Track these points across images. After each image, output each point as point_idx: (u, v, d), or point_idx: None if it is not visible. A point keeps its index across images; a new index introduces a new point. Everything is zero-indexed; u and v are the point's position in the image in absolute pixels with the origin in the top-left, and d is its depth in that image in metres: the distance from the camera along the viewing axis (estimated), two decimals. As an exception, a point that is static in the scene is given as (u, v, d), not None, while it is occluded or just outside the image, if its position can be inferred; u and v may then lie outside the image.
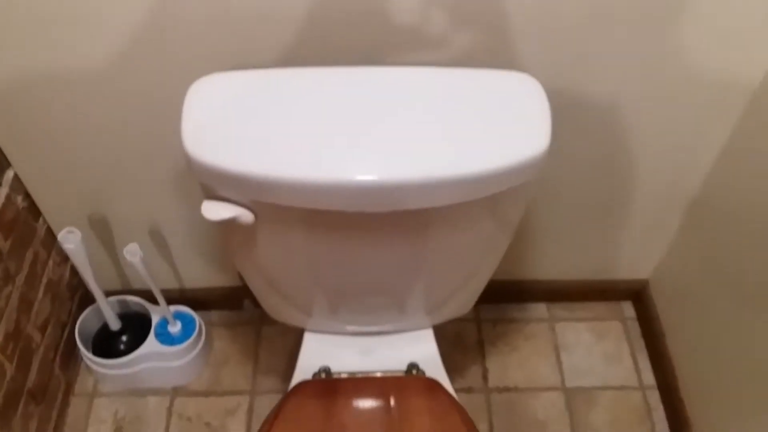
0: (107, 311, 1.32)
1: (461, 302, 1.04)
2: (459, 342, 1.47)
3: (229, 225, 0.84)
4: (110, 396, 1.39)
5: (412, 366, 1.03)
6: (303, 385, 0.99)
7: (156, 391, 1.39)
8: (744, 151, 1.07)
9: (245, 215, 0.79)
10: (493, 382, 1.42)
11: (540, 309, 1.53)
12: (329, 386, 0.98)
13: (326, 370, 1.02)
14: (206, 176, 0.76)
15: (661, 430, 1.35)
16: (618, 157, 1.15)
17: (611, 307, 1.53)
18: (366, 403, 0.96)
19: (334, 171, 0.73)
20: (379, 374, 1.01)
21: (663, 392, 1.39)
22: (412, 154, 0.73)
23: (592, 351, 1.46)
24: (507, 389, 1.41)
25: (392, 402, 0.96)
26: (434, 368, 1.03)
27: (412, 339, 1.07)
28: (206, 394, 1.40)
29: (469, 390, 1.40)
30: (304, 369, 1.03)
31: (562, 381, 1.42)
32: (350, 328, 1.05)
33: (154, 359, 1.35)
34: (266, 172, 0.73)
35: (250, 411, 1.38)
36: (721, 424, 1.18)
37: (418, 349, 1.05)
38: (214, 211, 0.79)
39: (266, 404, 1.38)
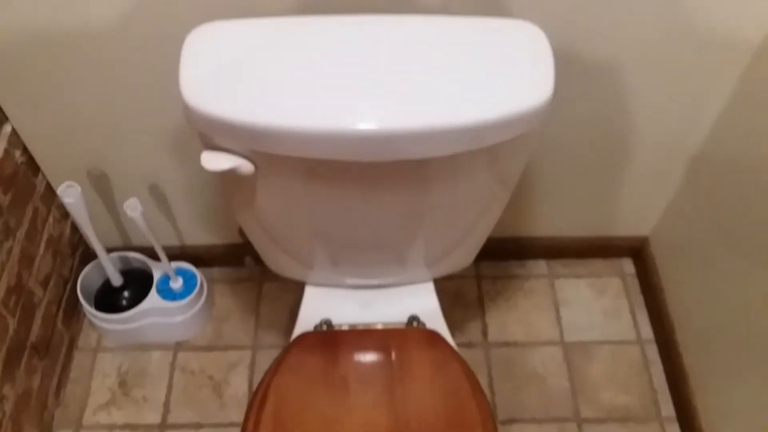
0: (108, 266, 1.32)
1: (461, 256, 1.04)
2: (459, 299, 1.48)
3: (229, 176, 0.84)
4: (114, 351, 1.40)
5: (413, 318, 1.03)
6: (304, 336, 0.99)
7: (159, 346, 1.41)
8: (746, 107, 1.06)
9: (245, 166, 0.78)
10: (492, 337, 1.43)
11: (540, 266, 1.53)
12: (330, 338, 0.99)
13: (327, 323, 1.03)
14: (204, 125, 0.76)
15: (659, 384, 1.37)
16: (619, 112, 1.14)
17: (611, 263, 1.54)
18: (367, 354, 0.96)
19: (333, 119, 0.72)
20: (379, 326, 1.01)
21: (661, 346, 1.40)
22: (412, 103, 0.72)
23: (591, 307, 1.47)
24: (506, 344, 1.42)
25: (393, 353, 0.96)
26: (435, 320, 1.03)
27: (412, 292, 1.07)
28: (208, 348, 1.41)
29: (469, 345, 1.41)
30: (306, 321, 1.04)
31: (561, 336, 1.43)
32: (351, 281, 1.05)
33: (156, 314, 1.36)
34: (265, 120, 0.72)
35: (252, 365, 1.39)
36: (719, 378, 1.19)
37: (419, 302, 1.06)
38: (214, 161, 0.78)
39: (268, 359, 1.39)
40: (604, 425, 1.32)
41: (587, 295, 1.49)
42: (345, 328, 1.01)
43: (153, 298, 1.34)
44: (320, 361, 0.96)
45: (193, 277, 1.38)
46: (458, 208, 0.89)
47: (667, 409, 1.34)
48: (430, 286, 1.07)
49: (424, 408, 0.90)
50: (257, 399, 0.93)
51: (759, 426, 1.06)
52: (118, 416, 1.32)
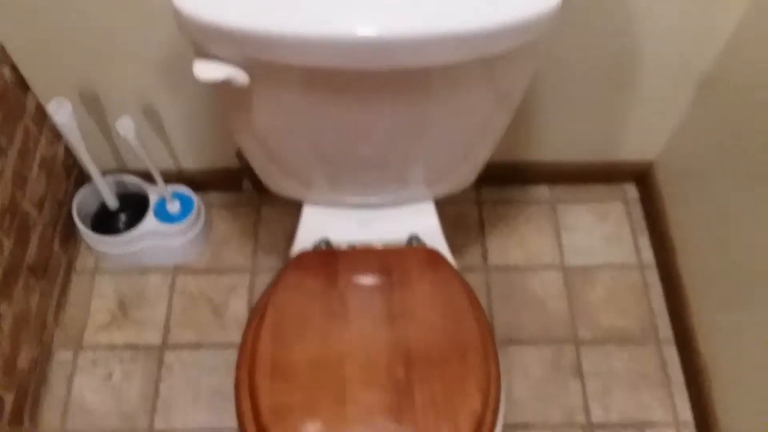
0: (104, 188, 1.30)
1: (462, 175, 1.02)
2: (460, 223, 1.46)
3: (224, 90, 0.81)
4: (112, 273, 1.40)
5: (413, 237, 1.02)
6: (303, 255, 0.98)
7: (158, 269, 1.40)
8: (759, 28, 1.02)
9: (239, 76, 0.75)
10: (492, 261, 1.43)
11: (542, 191, 1.51)
12: (329, 257, 0.98)
13: (326, 242, 1.02)
14: (196, 32, 0.72)
15: (658, 308, 1.37)
16: (628, 30, 1.09)
17: (614, 189, 1.52)
18: (366, 273, 0.95)
19: (330, 24, 0.68)
20: (379, 246, 1.00)
21: (662, 270, 1.40)
22: (413, 7, 0.69)
23: (593, 232, 1.46)
24: (506, 268, 1.42)
25: (393, 272, 0.95)
26: (435, 240, 1.02)
27: (412, 211, 1.05)
28: (207, 272, 1.40)
29: (469, 269, 1.41)
30: (304, 240, 1.02)
31: (562, 260, 1.43)
32: (350, 199, 1.03)
33: (154, 237, 1.34)
34: (259, 25, 0.69)
35: (251, 288, 1.39)
36: (718, 301, 1.19)
37: (419, 221, 1.04)
38: (207, 71, 0.75)
39: (266, 282, 1.39)
40: (602, 347, 1.33)
41: (589, 220, 1.48)
42: (344, 247, 1.00)
43: (150, 221, 1.33)
44: (319, 279, 0.95)
45: (190, 200, 1.36)
46: (459, 125, 0.87)
47: (665, 331, 1.34)
48: (430, 206, 1.05)
49: (424, 326, 0.90)
50: (256, 315, 0.93)
51: (756, 348, 1.06)
52: (118, 336, 1.33)
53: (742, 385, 1.11)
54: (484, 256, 1.43)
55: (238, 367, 0.89)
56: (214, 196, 1.49)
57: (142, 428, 1.24)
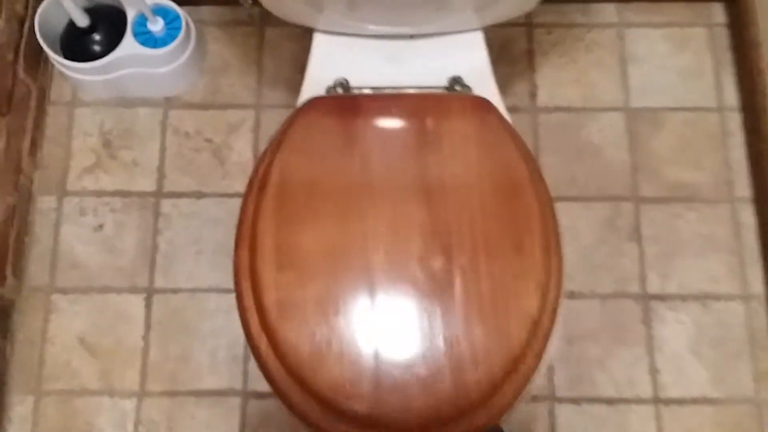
0: (68, 2, 1.05)
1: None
2: (504, 52, 1.21)
3: None
4: (94, 106, 1.19)
5: (455, 81, 0.79)
6: (314, 102, 0.76)
7: (146, 102, 1.19)
8: None
9: None
10: (542, 100, 1.19)
11: (608, 11, 1.23)
12: (348, 104, 0.76)
13: (343, 84, 0.79)
14: None
15: (737, 161, 1.16)
16: None
17: (697, 9, 1.23)
18: (395, 126, 0.74)
19: None
20: (411, 90, 0.77)
21: (747, 114, 1.17)
22: None
23: (667, 64, 1.20)
24: (558, 109, 1.19)
25: (429, 125, 0.74)
26: (483, 84, 0.79)
27: (455, 45, 0.81)
28: (204, 106, 1.19)
29: (513, 109, 1.18)
30: (315, 82, 0.80)
31: (626, 100, 1.19)
32: (374, 27, 0.79)
33: (136, 64, 1.12)
34: None
35: (256, 127, 1.18)
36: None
37: (463, 59, 0.81)
38: None
39: (274, 120, 1.18)
40: (665, 206, 1.14)
41: (663, 49, 1.21)
42: (367, 91, 0.78)
43: (129, 44, 1.09)
44: (335, 134, 0.74)
45: (176, 17, 1.11)
46: None
47: (742, 190, 1.14)
48: (478, 38, 0.81)
49: (469, 201, 0.71)
50: (255, 182, 0.74)
51: None
52: (106, 181, 1.16)
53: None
54: (532, 94, 1.20)
55: (236, 249, 0.72)
56: (207, 12, 1.23)
57: (141, 286, 1.11)
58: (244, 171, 1.16)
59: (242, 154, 1.17)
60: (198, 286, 1.11)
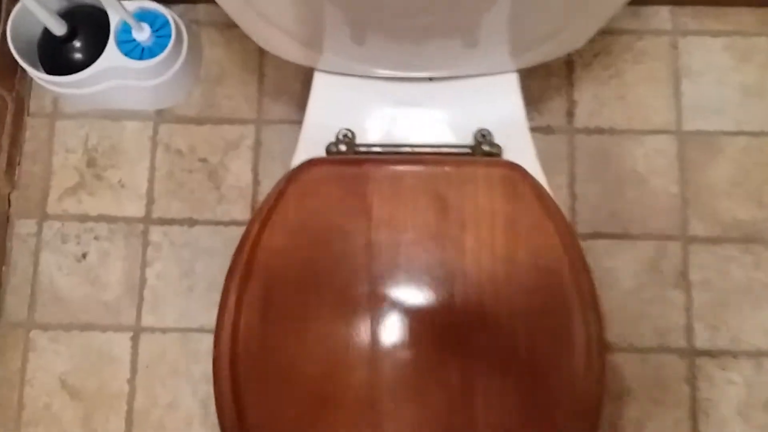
0: (39, 10, 0.91)
1: (577, 26, 0.61)
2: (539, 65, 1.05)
3: None
4: (76, 118, 1.07)
5: (483, 137, 0.65)
6: (311, 165, 0.63)
7: (134, 115, 1.07)
8: None
9: None
10: (581, 119, 1.05)
11: (661, 15, 1.07)
12: (351, 171, 0.63)
13: (347, 138, 0.66)
14: None
15: (805, 196, 1.00)
16: None
17: (764, 16, 1.06)
18: (408, 203, 0.61)
19: None
20: (429, 150, 0.64)
21: (820, 145, 1.01)
22: None
23: (727, 79, 1.05)
24: (600, 130, 1.04)
25: (450, 201, 0.61)
26: (517, 141, 0.66)
27: (482, 90, 0.68)
28: (199, 121, 1.06)
29: (546, 130, 1.04)
30: (315, 133, 0.67)
31: (678, 121, 1.04)
32: (385, 71, 0.65)
33: (120, 76, 0.99)
34: None
35: (257, 146, 1.05)
36: None
37: (493, 108, 0.67)
38: None
39: (276, 138, 1.06)
40: (717, 247, 1.00)
41: (723, 61, 1.05)
42: (376, 149, 0.64)
43: (112, 55, 0.96)
44: (335, 211, 0.61)
45: (166, 22, 0.97)
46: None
47: (810, 231, 0.99)
48: (512, 82, 0.67)
49: (493, 315, 0.57)
50: (239, 268, 0.61)
51: None
52: (90, 204, 1.04)
53: None
54: (570, 112, 1.05)
55: (215, 346, 0.60)
56: (203, 11, 1.09)
57: (127, 324, 1.01)
58: (242, 196, 1.04)
59: (240, 176, 1.05)
60: (189, 325, 1.00)
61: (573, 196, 1.02)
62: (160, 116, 1.06)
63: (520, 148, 0.64)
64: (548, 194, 0.61)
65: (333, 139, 0.66)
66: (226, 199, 1.04)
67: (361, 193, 0.60)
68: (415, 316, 0.58)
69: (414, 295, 0.57)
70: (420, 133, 0.65)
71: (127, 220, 1.04)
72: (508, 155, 0.64)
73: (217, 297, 0.98)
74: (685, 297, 0.99)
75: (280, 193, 0.61)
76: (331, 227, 0.59)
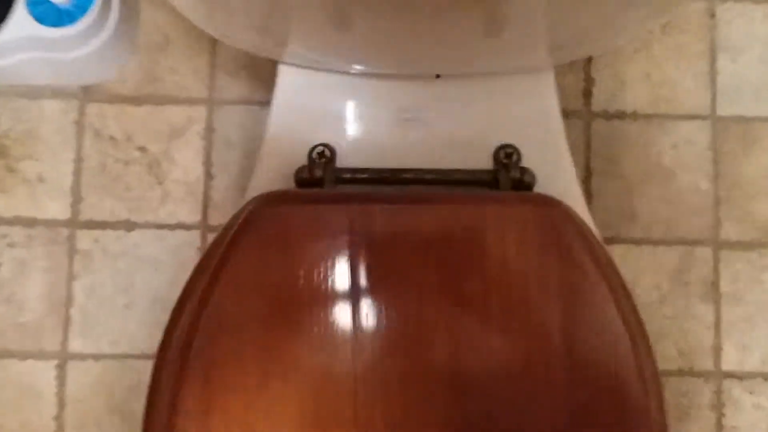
0: None
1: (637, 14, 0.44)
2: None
3: None
4: (-17, 96, 0.86)
5: (506, 155, 0.48)
6: (272, 200, 0.45)
7: (55, 93, 0.87)
8: None
9: None
10: (599, 101, 0.88)
11: (694, -25, 0.90)
12: (328, 210, 0.45)
13: (324, 157, 0.48)
14: None
15: None
16: None
17: (814, -24, 0.90)
18: (406, 261, 0.44)
19: None
20: (433, 176, 0.46)
21: None
22: None
23: (769, 55, 0.89)
24: (620, 114, 0.88)
25: (464, 255, 0.44)
26: (552, 161, 0.48)
27: (505, 92, 0.49)
28: (137, 100, 0.87)
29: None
30: (279, 149, 0.49)
31: (712, 105, 0.88)
32: (375, 63, 0.47)
33: (34, 47, 0.79)
34: None
35: (208, 132, 0.87)
36: None
37: (520, 117, 0.49)
38: None
39: (232, 122, 0.87)
40: (753, 254, 0.86)
41: (766, 34, 0.89)
42: (361, 176, 0.47)
43: (21, 21, 0.76)
44: (304, 264, 0.43)
45: (88, -21, 0.77)
46: None
47: None
48: (546, 83, 0.49)
49: (528, 404, 0.41)
50: (176, 341, 0.43)
51: None
52: (1, 204, 0.85)
53: None
54: (587, 92, 0.88)
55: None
56: (141, -37, 0.88)
57: (52, 350, 0.83)
58: (191, 193, 0.86)
59: (189, 169, 0.86)
60: (127, 351, 0.83)
61: (589, 192, 0.86)
62: (88, 94, 0.87)
63: (557, 173, 0.47)
64: (600, 245, 0.45)
65: (304, 159, 0.48)
66: (171, 198, 0.86)
67: (342, 248, 0.42)
68: (414, 411, 0.42)
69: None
70: (422, 152, 0.48)
71: (49, 224, 0.85)
72: (544, 184, 0.47)
73: (161, 316, 0.81)
74: (715, 312, 0.85)
75: (231, 243, 0.43)
76: (302, 300, 0.42)
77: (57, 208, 0.85)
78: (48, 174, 0.85)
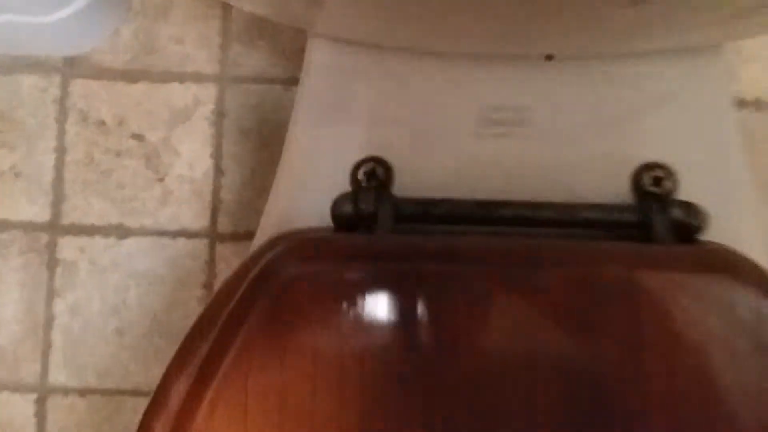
0: None
1: None
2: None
3: None
4: (-52, 68, 0.71)
5: (654, 181, 0.31)
6: (300, 253, 0.28)
7: (35, 65, 0.71)
8: None
9: None
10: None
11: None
12: (388, 266, 0.28)
13: (375, 180, 0.31)
14: None
15: None
16: None
17: None
18: (525, 354, 0.27)
19: None
20: (546, 213, 0.29)
21: None
22: None
23: None
24: (758, 103, 0.70)
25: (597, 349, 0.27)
26: (727, 195, 0.31)
27: (656, 83, 0.32)
28: (131, 76, 0.71)
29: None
30: (304, 171, 0.32)
31: None
32: (454, 40, 0.29)
33: (6, 8, 0.63)
34: None
35: (219, 117, 0.71)
36: None
37: (677, 123, 0.32)
38: None
39: (247, 104, 0.71)
40: None
41: None
42: (437, 210, 0.30)
43: (-20, -27, 0.60)
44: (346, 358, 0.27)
45: None
46: None
47: None
48: (719, 70, 0.31)
49: None
50: None
51: None
52: (-30, 202, 0.70)
53: None
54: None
55: None
56: None
57: (30, 382, 0.69)
58: (196, 192, 0.70)
59: (194, 163, 0.70)
60: (118, 385, 0.69)
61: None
62: (72, 68, 0.71)
63: (732, 209, 0.30)
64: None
65: (344, 179, 0.31)
66: (172, 198, 0.70)
67: (409, 332, 0.26)
68: None
69: None
70: (524, 175, 0.31)
71: (26, 227, 0.70)
72: (716, 228, 0.30)
73: (159, 343, 0.67)
74: None
75: (237, 315, 0.27)
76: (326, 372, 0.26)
77: (34, 209, 0.70)
78: (23, 167, 0.70)
